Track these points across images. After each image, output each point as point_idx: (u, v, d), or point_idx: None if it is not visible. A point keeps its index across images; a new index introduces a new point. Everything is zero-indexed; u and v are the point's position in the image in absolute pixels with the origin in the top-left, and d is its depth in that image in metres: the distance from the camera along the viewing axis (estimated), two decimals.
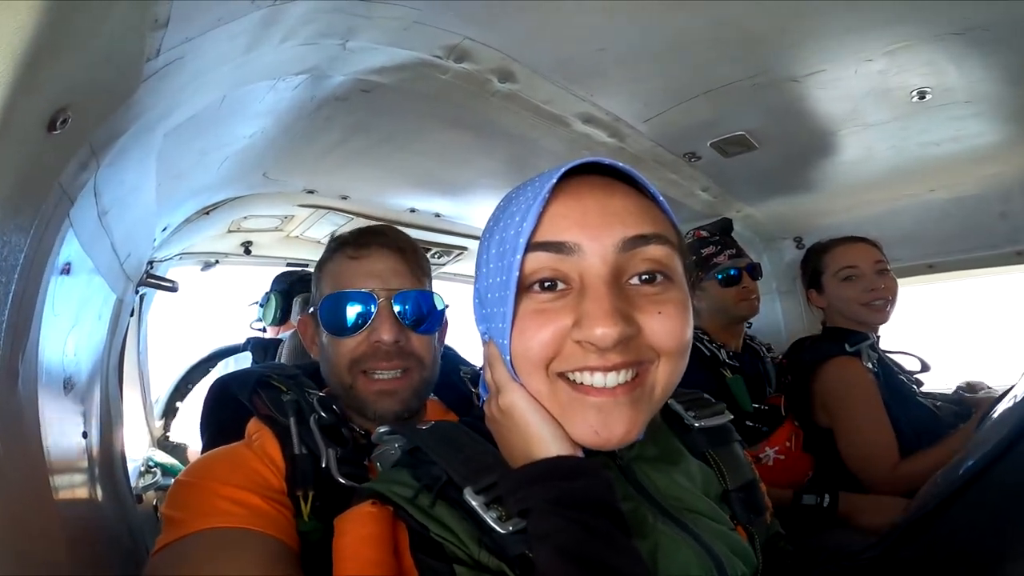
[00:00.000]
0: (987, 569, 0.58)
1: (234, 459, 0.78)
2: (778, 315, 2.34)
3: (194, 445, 2.20)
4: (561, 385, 0.50)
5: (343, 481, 0.77)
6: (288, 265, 2.31)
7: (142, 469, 1.93)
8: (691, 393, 0.73)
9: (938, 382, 1.74)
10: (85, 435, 0.92)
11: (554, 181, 0.49)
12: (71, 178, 0.49)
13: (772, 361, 1.77)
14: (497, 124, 1.26)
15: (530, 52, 1.01)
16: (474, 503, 0.48)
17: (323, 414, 0.84)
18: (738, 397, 1.52)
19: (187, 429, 2.44)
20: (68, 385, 0.83)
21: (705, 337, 1.62)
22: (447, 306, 0.96)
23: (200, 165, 1.08)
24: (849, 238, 1.58)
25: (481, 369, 0.61)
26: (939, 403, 1.59)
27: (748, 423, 1.51)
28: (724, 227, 1.71)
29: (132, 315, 1.57)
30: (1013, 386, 0.87)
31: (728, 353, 1.62)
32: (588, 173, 0.53)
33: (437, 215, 1.99)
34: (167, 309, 2.27)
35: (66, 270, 0.69)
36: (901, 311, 1.55)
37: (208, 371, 2.42)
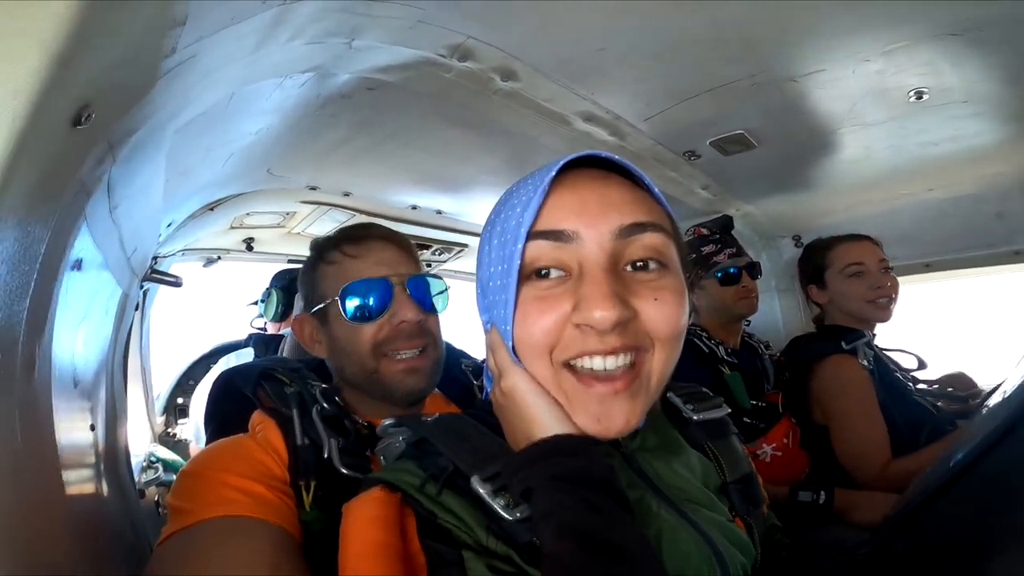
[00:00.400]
0: (974, 562, 0.59)
1: (238, 449, 0.79)
2: (777, 313, 2.35)
3: (195, 442, 2.20)
4: (565, 375, 0.51)
5: (345, 471, 0.78)
6: (289, 262, 2.32)
7: (144, 465, 1.95)
8: (689, 387, 0.74)
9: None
10: (92, 428, 0.93)
11: (553, 173, 0.51)
12: (89, 173, 0.51)
13: (770, 358, 1.79)
14: (499, 122, 1.27)
15: (532, 51, 1.02)
16: (481, 491, 0.48)
17: (325, 405, 0.86)
18: (736, 394, 1.54)
19: (190, 425, 2.46)
20: (77, 379, 0.83)
21: (704, 334, 1.64)
22: (448, 287, 1.01)
23: (206, 161, 1.09)
24: (854, 236, 1.59)
25: (483, 361, 0.62)
26: (939, 402, 1.61)
27: (746, 420, 1.52)
28: (724, 225, 1.72)
29: (136, 310, 1.58)
30: (1003, 381, 0.88)
31: (726, 350, 1.63)
32: (586, 166, 0.55)
33: (438, 212, 1.99)
34: (170, 305, 2.28)
35: (78, 263, 0.70)
36: (898, 310, 1.56)
37: (210, 367, 2.44)
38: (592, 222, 0.50)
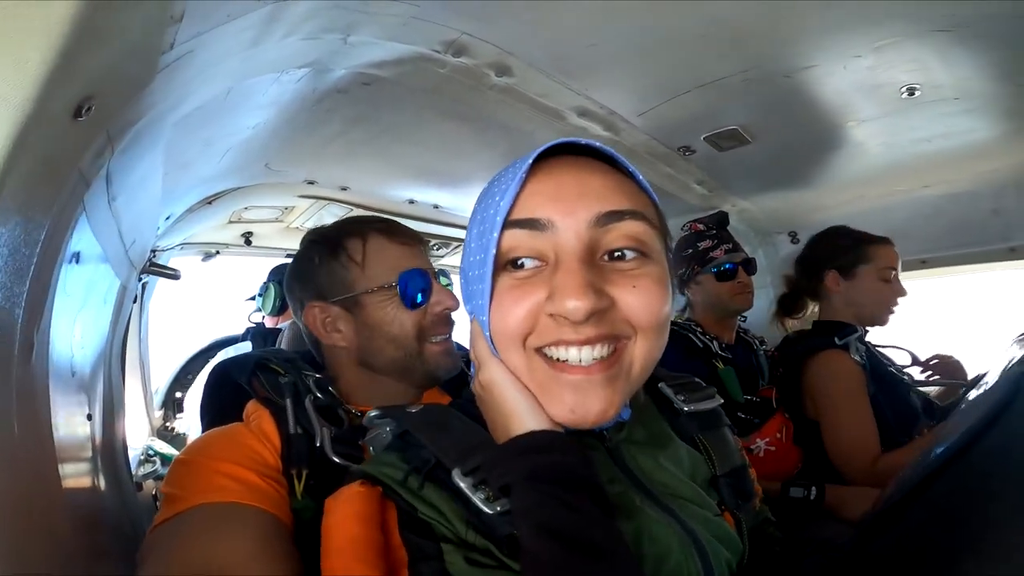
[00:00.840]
0: (956, 557, 0.59)
1: (231, 437, 0.80)
2: (772, 309, 2.36)
3: (193, 436, 2.22)
4: (538, 362, 0.50)
5: (337, 460, 0.78)
6: (288, 256, 2.33)
7: (142, 458, 1.96)
8: (682, 377, 0.73)
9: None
10: (89, 417, 0.92)
11: (531, 161, 0.50)
12: (88, 164, 0.52)
13: (765, 354, 1.80)
14: (494, 117, 1.28)
15: (526, 47, 1.03)
16: (462, 484, 0.48)
17: (319, 395, 0.86)
18: (730, 388, 1.54)
19: (188, 420, 2.47)
20: (74, 368, 0.84)
21: (698, 329, 1.65)
22: (451, 283, 1.07)
23: (205, 155, 1.10)
24: (889, 239, 1.57)
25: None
26: (934, 399, 1.62)
27: (740, 414, 1.53)
28: (720, 220, 1.72)
29: (135, 302, 1.59)
30: (984, 374, 0.88)
31: (720, 345, 1.64)
32: (567, 154, 0.54)
33: (436, 207, 2.00)
34: (169, 299, 2.29)
35: (77, 253, 0.71)
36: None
37: (208, 361, 2.45)
38: (568, 210, 0.49)
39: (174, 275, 1.50)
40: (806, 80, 1.15)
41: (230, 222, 2.00)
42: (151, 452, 2.06)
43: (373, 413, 0.63)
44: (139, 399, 2.27)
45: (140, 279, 1.47)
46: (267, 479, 0.75)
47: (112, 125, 0.51)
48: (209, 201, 1.46)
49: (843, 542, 0.76)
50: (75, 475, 0.78)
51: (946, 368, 1.69)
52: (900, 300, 1.55)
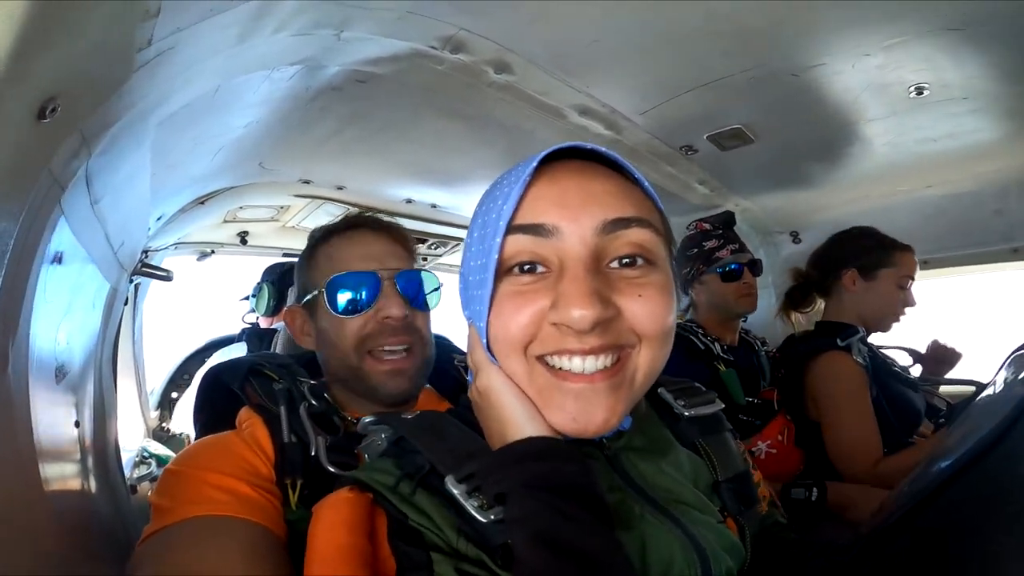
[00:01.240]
0: (971, 566, 0.58)
1: (222, 447, 0.78)
2: (773, 309, 2.35)
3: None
4: (539, 369, 0.49)
5: (332, 469, 0.77)
6: (284, 255, 2.31)
7: (137, 460, 1.94)
8: (681, 382, 0.72)
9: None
10: (77, 424, 0.91)
11: (535, 165, 0.49)
12: (62, 166, 0.49)
13: (766, 355, 1.78)
14: (493, 115, 1.25)
15: (526, 43, 1.00)
16: (455, 491, 0.47)
17: (314, 402, 0.85)
18: (731, 390, 1.53)
19: (185, 420, 2.45)
20: (60, 374, 0.82)
21: (699, 330, 1.63)
22: (441, 285, 0.99)
23: (194, 154, 1.07)
24: (911, 247, 1.55)
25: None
26: (940, 397, 1.61)
27: (741, 416, 1.52)
28: (727, 220, 1.69)
29: (126, 304, 1.57)
30: (989, 384, 0.87)
31: (722, 347, 1.62)
32: (571, 158, 0.53)
33: (433, 206, 1.98)
34: (163, 299, 2.27)
35: (58, 258, 0.69)
36: None
37: (204, 361, 2.43)
38: (573, 216, 0.48)
39: (166, 276, 1.47)
40: (813, 79, 1.13)
41: (225, 221, 1.98)
42: (146, 454, 2.05)
43: (368, 419, 0.62)
44: (133, 401, 2.25)
45: (132, 281, 1.45)
46: (260, 490, 0.73)
47: (86, 125, 0.49)
48: (202, 201, 1.43)
49: (846, 544, 0.74)
50: (60, 481, 0.77)
51: (943, 356, 1.69)
52: (908, 310, 1.54)
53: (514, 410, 0.50)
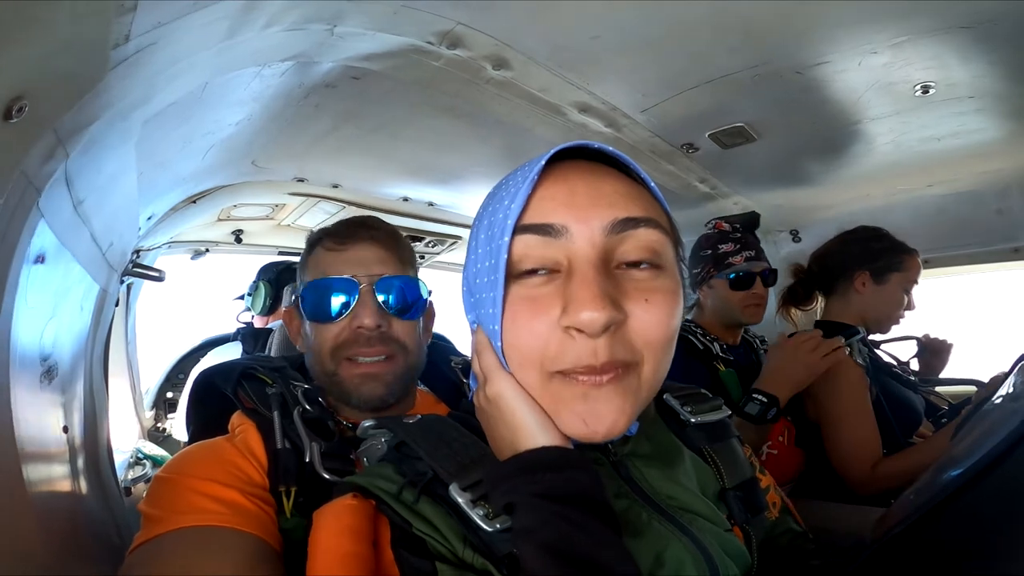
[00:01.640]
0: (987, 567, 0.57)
1: (214, 454, 0.76)
2: (772, 309, 2.33)
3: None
4: (555, 380, 0.48)
5: (327, 476, 0.75)
6: (280, 253, 2.29)
7: (131, 461, 1.92)
8: (687, 388, 0.71)
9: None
10: (66, 429, 0.90)
11: (542, 164, 0.48)
12: (36, 167, 0.47)
13: (766, 355, 1.77)
14: (492, 112, 1.23)
15: (525, 39, 0.98)
16: (460, 500, 0.46)
17: (308, 407, 0.83)
18: (731, 391, 1.52)
19: (180, 420, 2.42)
20: (47, 377, 0.81)
21: (699, 331, 1.61)
22: (431, 292, 0.96)
23: (184, 153, 1.05)
24: (917, 251, 1.54)
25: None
26: (935, 397, 1.60)
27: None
28: (749, 222, 1.64)
29: (117, 305, 1.54)
30: (996, 389, 0.85)
31: (721, 347, 1.61)
32: (579, 158, 0.52)
33: (430, 204, 1.96)
34: (157, 298, 2.25)
35: (40, 261, 0.67)
36: None
37: (199, 360, 2.40)
38: (583, 216, 0.47)
39: (158, 277, 1.45)
40: (818, 76, 1.11)
41: (219, 220, 1.95)
42: (141, 455, 2.03)
43: (368, 423, 0.61)
44: (128, 401, 2.22)
45: (123, 281, 1.42)
46: (252, 498, 0.71)
47: (61, 125, 0.46)
48: (194, 200, 1.40)
49: (845, 547, 0.73)
50: (47, 483, 0.76)
51: (937, 348, 1.69)
52: (907, 314, 1.54)
53: (526, 418, 0.48)
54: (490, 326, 0.50)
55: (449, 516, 0.47)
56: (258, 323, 2.05)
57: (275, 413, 0.80)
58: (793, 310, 1.73)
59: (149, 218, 1.26)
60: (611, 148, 0.51)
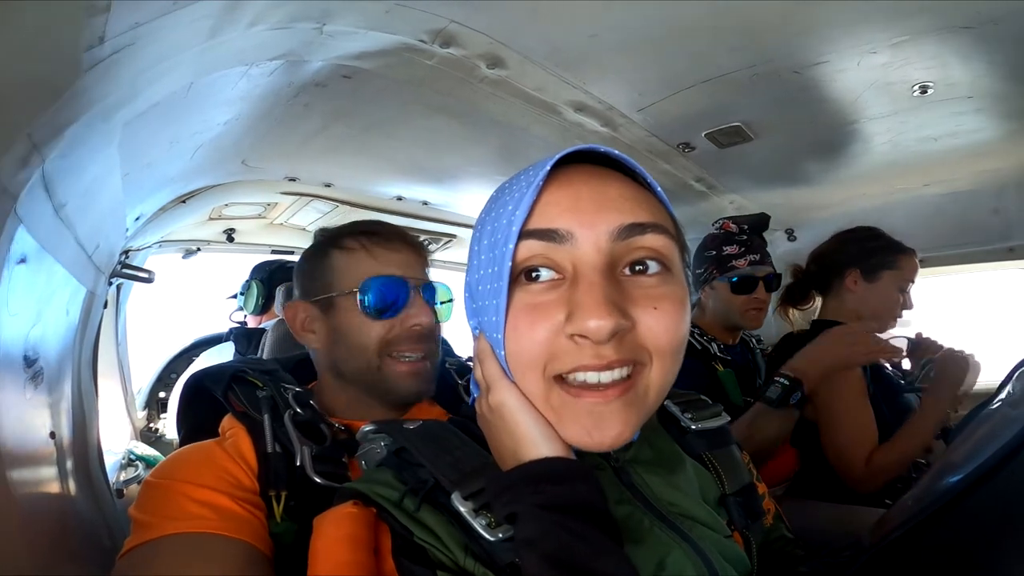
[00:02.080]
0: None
1: (204, 458, 0.76)
2: (769, 309, 2.33)
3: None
4: (556, 389, 0.48)
5: (318, 480, 0.75)
6: (273, 252, 2.27)
7: (123, 462, 1.90)
8: (687, 394, 0.71)
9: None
10: (53, 435, 0.89)
11: (548, 169, 0.47)
12: (10, 173, 0.45)
13: (762, 354, 1.76)
14: (486, 112, 1.21)
15: (520, 37, 0.96)
16: (462, 509, 0.46)
17: (299, 410, 0.82)
18: (729, 391, 1.51)
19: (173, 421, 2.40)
20: (32, 379, 0.80)
21: (696, 330, 1.60)
22: (453, 298, 1.01)
23: (171, 153, 1.03)
24: (914, 251, 1.52)
25: (468, 360, 0.59)
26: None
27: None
28: (757, 224, 1.60)
29: (106, 307, 1.52)
30: (994, 396, 0.85)
31: (719, 347, 1.60)
32: (584, 162, 0.51)
33: (425, 203, 1.94)
34: (149, 298, 2.22)
35: (19, 268, 0.66)
36: None
37: (191, 360, 2.38)
38: (588, 221, 0.46)
39: (147, 279, 1.42)
40: (817, 76, 1.09)
41: (210, 219, 1.93)
42: (133, 456, 2.01)
43: (368, 427, 0.60)
44: (119, 402, 2.20)
45: (111, 283, 1.40)
46: (242, 503, 0.71)
47: (34, 129, 0.45)
48: (183, 200, 1.38)
49: (840, 547, 0.73)
50: (33, 485, 0.77)
51: (926, 346, 1.65)
52: (905, 313, 1.52)
53: (529, 428, 0.48)
54: (493, 334, 0.49)
55: (451, 525, 0.47)
56: (251, 323, 2.03)
57: (265, 416, 0.79)
58: (791, 310, 1.72)
59: (137, 218, 1.24)
60: (617, 152, 0.50)
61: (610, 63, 1.07)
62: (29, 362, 0.80)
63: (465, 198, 1.92)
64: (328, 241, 0.93)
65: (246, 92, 0.90)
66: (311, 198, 1.80)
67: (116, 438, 2.09)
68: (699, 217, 2.12)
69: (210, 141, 1.08)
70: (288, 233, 2.19)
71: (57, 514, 0.85)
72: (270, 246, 2.25)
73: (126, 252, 1.46)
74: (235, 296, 2.13)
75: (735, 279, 1.55)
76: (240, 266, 2.21)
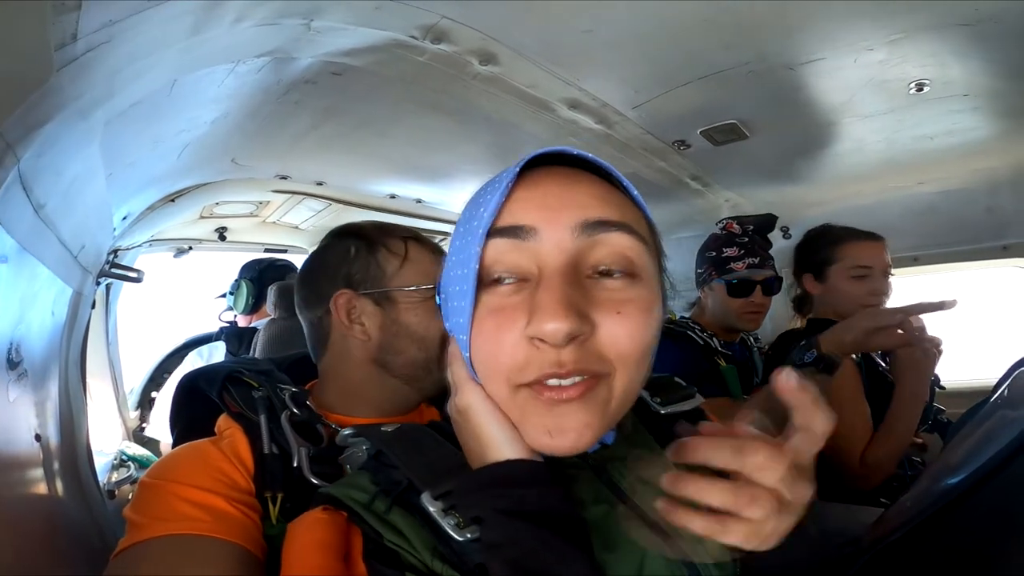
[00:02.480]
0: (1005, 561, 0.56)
1: (199, 458, 0.74)
2: (772, 309, 2.33)
3: (168, 439, 2.14)
4: (522, 392, 0.47)
5: (315, 481, 0.74)
6: (266, 250, 2.24)
7: (115, 463, 1.88)
8: (659, 378, 0.68)
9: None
10: (39, 437, 0.88)
11: (517, 170, 0.46)
12: None
13: (759, 352, 1.76)
14: (479, 109, 1.20)
15: (513, 33, 0.94)
16: (431, 509, 0.45)
17: (295, 411, 0.81)
18: (731, 387, 1.50)
19: (163, 422, 2.38)
20: (16, 382, 0.79)
21: (696, 326, 1.60)
22: None
23: (156, 152, 1.01)
24: (867, 234, 1.49)
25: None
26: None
27: None
28: (762, 225, 1.58)
29: (94, 307, 1.50)
30: (991, 395, 0.85)
31: (720, 342, 1.59)
32: (558, 164, 0.50)
33: (418, 201, 1.93)
34: (140, 297, 2.20)
35: (1, 265, 0.64)
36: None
37: (183, 359, 2.36)
38: (552, 216, 0.45)
39: (136, 278, 1.40)
40: (812, 73, 1.08)
41: (201, 217, 1.91)
42: (124, 457, 1.99)
43: (347, 432, 0.60)
44: (110, 403, 2.18)
45: (99, 283, 1.38)
46: (237, 505, 0.70)
47: (7, 129, 0.43)
48: (172, 199, 1.36)
49: (840, 543, 0.72)
50: (18, 487, 0.77)
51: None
52: (882, 299, 1.46)
53: (493, 430, 0.47)
54: (460, 335, 0.49)
55: (420, 527, 0.46)
56: (241, 322, 2.01)
57: (262, 417, 0.78)
58: (800, 319, 1.70)
59: (124, 218, 1.22)
60: (591, 155, 0.49)
61: (604, 60, 1.05)
62: (12, 364, 0.79)
63: (459, 196, 1.91)
64: (375, 236, 0.91)
65: (234, 90, 0.89)
66: (303, 196, 1.78)
67: (107, 439, 2.07)
68: (694, 215, 2.12)
69: (197, 139, 1.06)
70: (281, 231, 2.17)
71: (44, 516, 0.85)
72: (263, 244, 2.23)
73: (115, 251, 1.44)
74: (224, 296, 2.11)
75: (733, 281, 1.53)
76: (233, 264, 2.19)
